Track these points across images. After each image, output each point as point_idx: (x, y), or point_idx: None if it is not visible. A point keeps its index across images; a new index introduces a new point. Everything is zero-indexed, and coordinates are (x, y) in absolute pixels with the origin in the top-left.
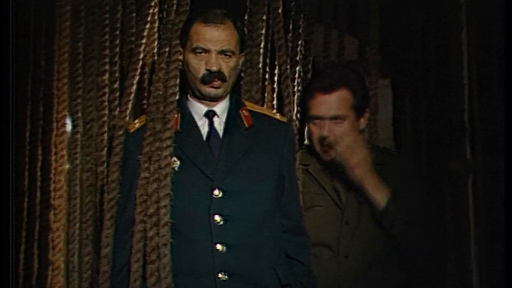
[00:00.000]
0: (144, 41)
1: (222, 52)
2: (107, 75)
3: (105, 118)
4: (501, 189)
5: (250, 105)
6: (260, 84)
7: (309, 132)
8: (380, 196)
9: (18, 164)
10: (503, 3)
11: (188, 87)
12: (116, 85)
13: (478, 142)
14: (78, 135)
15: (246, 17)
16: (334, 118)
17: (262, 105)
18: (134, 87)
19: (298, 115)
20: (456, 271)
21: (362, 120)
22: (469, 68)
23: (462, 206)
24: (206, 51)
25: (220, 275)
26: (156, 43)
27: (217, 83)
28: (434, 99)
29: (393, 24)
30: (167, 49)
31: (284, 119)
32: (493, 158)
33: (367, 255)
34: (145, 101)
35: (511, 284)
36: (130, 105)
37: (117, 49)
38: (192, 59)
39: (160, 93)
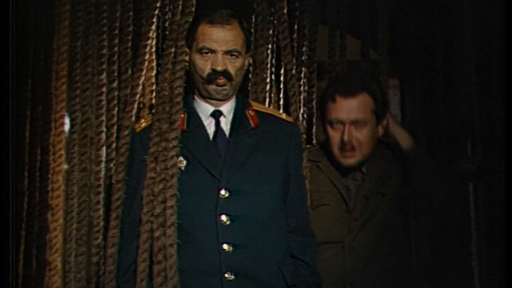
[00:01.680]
0: (149, 42)
1: (228, 52)
2: (104, 75)
3: (103, 118)
4: (501, 190)
5: (256, 105)
6: (268, 84)
7: (328, 136)
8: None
9: (17, 164)
10: (503, 4)
11: (195, 87)
12: (115, 85)
13: (479, 143)
14: (76, 135)
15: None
16: (356, 122)
17: (270, 105)
18: (140, 87)
19: (305, 115)
20: (456, 271)
21: (380, 127)
22: (470, 68)
23: (463, 207)
24: (212, 51)
25: (226, 275)
26: (154, 42)
27: (222, 80)
28: (437, 99)
29: (399, 24)
30: (173, 50)
31: (290, 119)
32: (493, 158)
33: (372, 248)
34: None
35: (511, 284)
36: (135, 105)
37: (116, 49)
38: (198, 60)
39: (166, 93)
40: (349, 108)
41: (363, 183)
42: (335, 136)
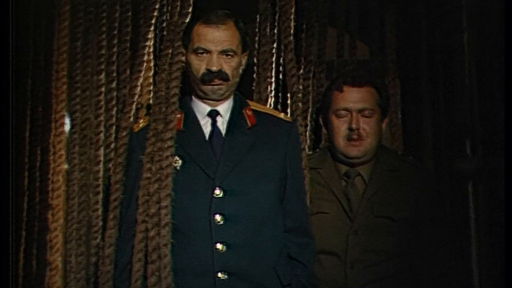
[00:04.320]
0: (148, 43)
1: (223, 52)
2: (103, 75)
3: (102, 118)
4: (501, 190)
5: (254, 105)
6: (272, 84)
7: (332, 130)
8: None
9: (18, 164)
10: (503, 4)
11: (192, 87)
12: (114, 85)
13: (479, 143)
14: (76, 135)
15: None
16: (363, 110)
17: (275, 105)
18: (138, 88)
19: (314, 115)
20: (456, 272)
21: (383, 124)
22: (470, 68)
23: (463, 207)
24: (208, 51)
25: (219, 275)
26: (151, 42)
27: (217, 82)
28: (438, 99)
29: (399, 25)
30: (170, 51)
31: (288, 119)
32: (493, 158)
33: (376, 268)
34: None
35: (511, 284)
36: (134, 106)
37: (115, 49)
38: (194, 60)
39: (163, 94)
40: (356, 97)
41: (365, 194)
42: (341, 126)
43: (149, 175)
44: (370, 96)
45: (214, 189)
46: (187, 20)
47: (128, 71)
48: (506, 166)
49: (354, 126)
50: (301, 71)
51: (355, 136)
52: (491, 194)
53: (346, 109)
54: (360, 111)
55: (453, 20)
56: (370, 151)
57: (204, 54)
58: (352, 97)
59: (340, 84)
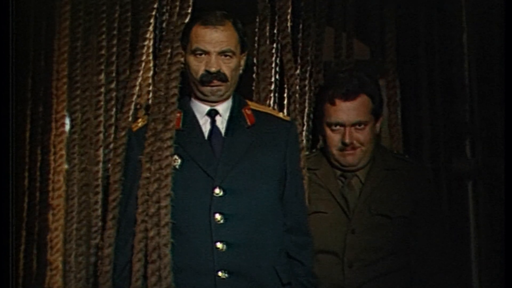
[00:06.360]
0: (146, 43)
1: (222, 53)
2: (103, 75)
3: (101, 118)
4: (501, 190)
5: (253, 105)
6: (271, 84)
7: (326, 137)
8: None
9: (18, 164)
10: (503, 4)
11: (191, 88)
12: (113, 85)
13: (479, 143)
14: (76, 135)
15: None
16: (356, 124)
17: (273, 105)
18: (137, 88)
19: (311, 115)
20: (456, 272)
21: (377, 124)
22: (469, 68)
23: (463, 207)
24: (206, 52)
25: (220, 274)
26: (151, 42)
27: (216, 83)
28: (437, 99)
29: (397, 26)
30: (169, 51)
31: (287, 118)
32: (493, 159)
33: (374, 267)
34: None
35: (511, 284)
36: (132, 106)
37: (114, 49)
38: (193, 61)
39: (162, 93)
40: (349, 111)
41: (362, 193)
42: (334, 138)
43: (148, 174)
44: (364, 107)
45: (214, 188)
46: (186, 20)
47: (128, 72)
48: (506, 166)
49: (347, 141)
50: (298, 71)
51: (348, 149)
52: (491, 194)
53: (339, 124)
54: (353, 124)
55: (453, 20)
56: (365, 158)
57: (203, 55)
58: (345, 112)
59: (331, 97)
